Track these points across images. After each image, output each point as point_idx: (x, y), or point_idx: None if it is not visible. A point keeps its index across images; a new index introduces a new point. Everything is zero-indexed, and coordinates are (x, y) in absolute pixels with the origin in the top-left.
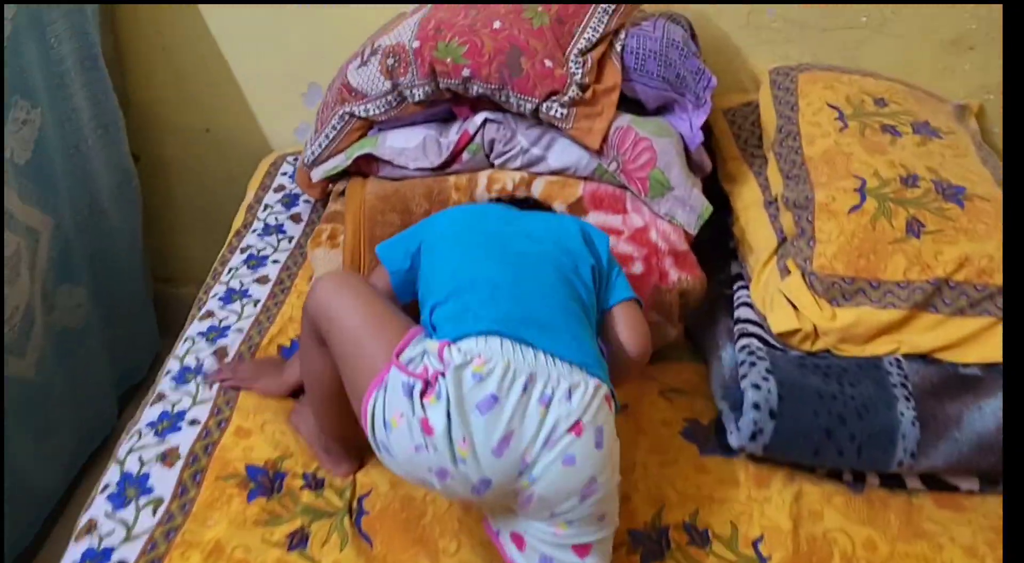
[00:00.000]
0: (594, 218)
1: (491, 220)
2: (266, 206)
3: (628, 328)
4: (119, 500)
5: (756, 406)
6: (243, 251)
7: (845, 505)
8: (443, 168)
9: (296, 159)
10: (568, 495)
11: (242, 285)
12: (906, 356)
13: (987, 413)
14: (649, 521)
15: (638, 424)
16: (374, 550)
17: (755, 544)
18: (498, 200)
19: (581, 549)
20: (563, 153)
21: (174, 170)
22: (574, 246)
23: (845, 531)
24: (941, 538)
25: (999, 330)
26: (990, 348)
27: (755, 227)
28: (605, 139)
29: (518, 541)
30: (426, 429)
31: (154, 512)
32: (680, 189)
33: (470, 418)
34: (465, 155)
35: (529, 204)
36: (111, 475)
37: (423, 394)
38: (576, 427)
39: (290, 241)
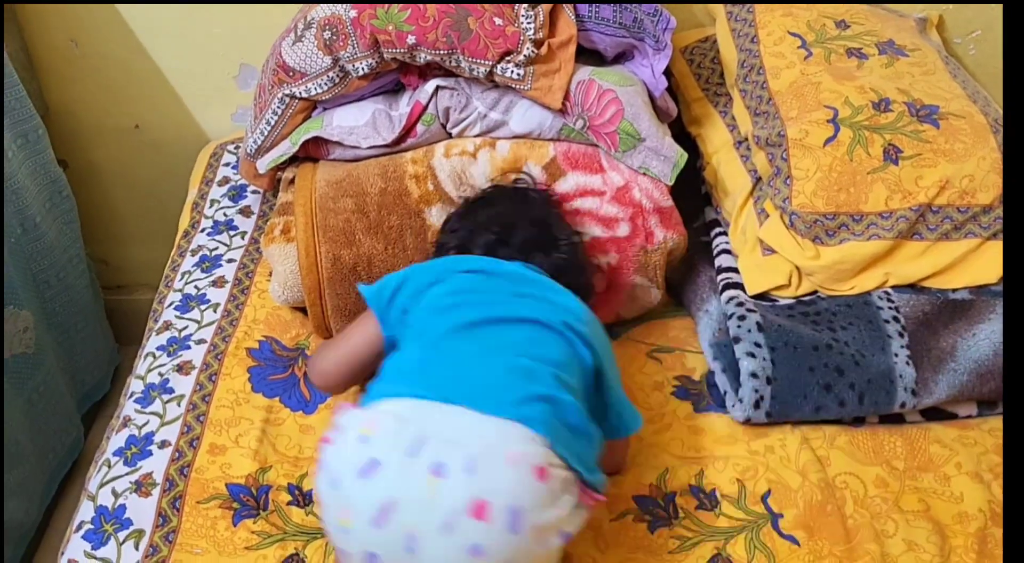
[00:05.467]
0: (574, 179)
1: (480, 305)
2: (212, 202)
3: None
4: (97, 538)
5: (754, 375)
6: (194, 253)
7: (850, 444)
8: (398, 144)
9: (238, 147)
10: None
11: (198, 290)
12: (895, 288)
13: (981, 339)
14: (655, 484)
15: (629, 391)
16: None
17: (764, 499)
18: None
19: None
20: (525, 116)
21: (107, 173)
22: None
23: (854, 473)
24: (947, 466)
25: (985, 251)
26: (978, 270)
27: (728, 170)
28: (567, 96)
29: None
30: (319, 501)
31: (136, 546)
32: (652, 139)
33: (348, 484)
34: (420, 127)
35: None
36: (84, 512)
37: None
38: (479, 509)
39: (243, 237)
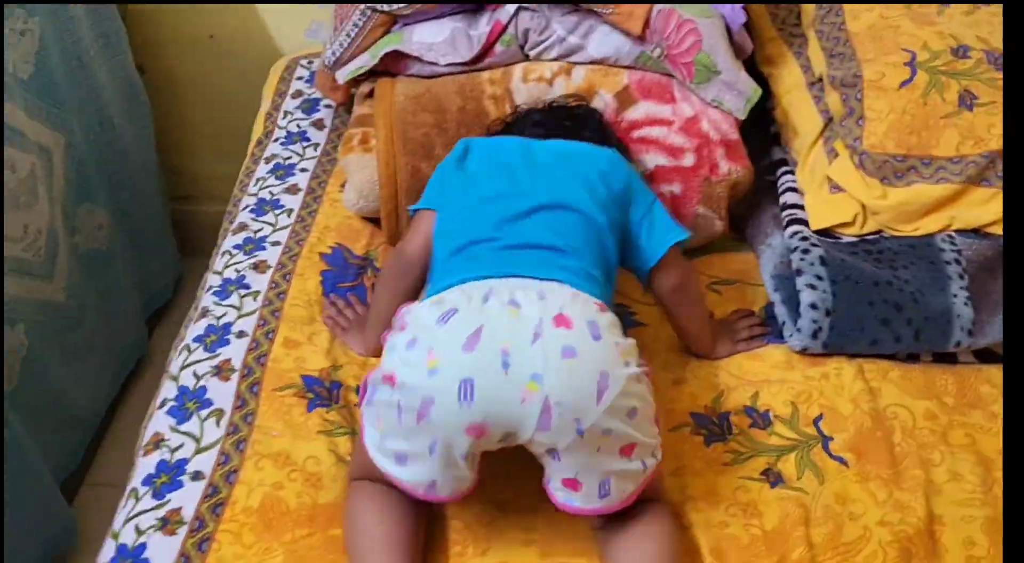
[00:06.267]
0: (644, 108)
1: (504, 177)
2: (286, 113)
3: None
4: (181, 414)
5: (813, 306)
6: (268, 161)
7: (903, 378)
8: (475, 62)
9: (311, 62)
10: (582, 394)
11: (272, 195)
12: (959, 231)
13: None
14: (710, 405)
15: None
16: None
17: (816, 422)
18: (546, 109)
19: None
20: (603, 41)
21: (181, 82)
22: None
23: (904, 406)
24: (996, 405)
25: None
26: None
27: (799, 110)
28: (647, 23)
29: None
30: (390, 382)
31: (218, 423)
32: (727, 73)
33: (431, 332)
34: (498, 47)
35: (571, 116)
36: (167, 390)
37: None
38: (560, 320)
39: (316, 148)
